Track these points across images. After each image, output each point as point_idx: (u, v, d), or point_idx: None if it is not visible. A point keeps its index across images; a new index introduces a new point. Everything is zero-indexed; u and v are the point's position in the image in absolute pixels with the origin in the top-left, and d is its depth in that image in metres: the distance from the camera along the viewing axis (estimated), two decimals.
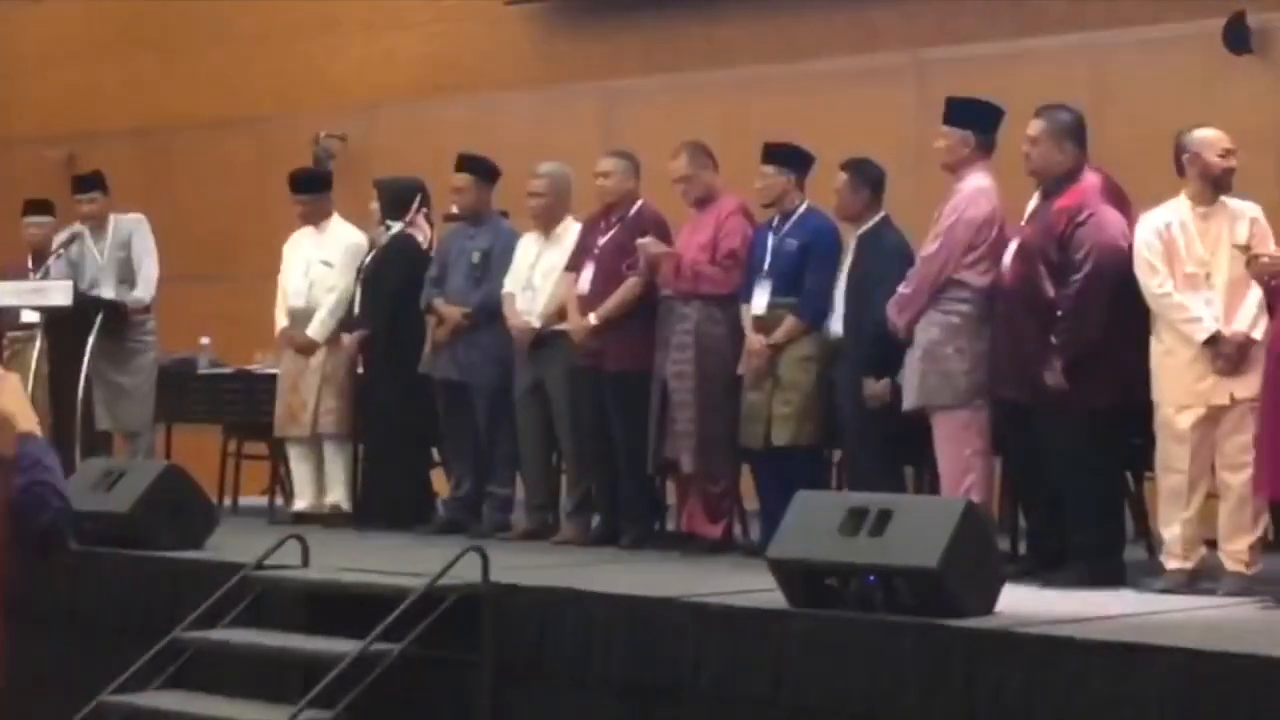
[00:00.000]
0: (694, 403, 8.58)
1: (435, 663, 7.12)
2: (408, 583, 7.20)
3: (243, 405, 10.71)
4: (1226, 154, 7.30)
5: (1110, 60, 10.20)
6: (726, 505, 8.78)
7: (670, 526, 9.14)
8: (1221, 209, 7.30)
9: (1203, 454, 7.21)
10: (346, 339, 9.86)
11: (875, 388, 7.98)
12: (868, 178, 8.34)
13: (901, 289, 7.86)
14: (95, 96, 14.61)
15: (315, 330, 9.96)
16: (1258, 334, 7.09)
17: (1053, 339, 7.36)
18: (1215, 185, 7.29)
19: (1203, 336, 7.15)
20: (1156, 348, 7.32)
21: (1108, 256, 7.34)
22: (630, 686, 6.83)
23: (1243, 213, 7.27)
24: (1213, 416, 7.18)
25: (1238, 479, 7.07)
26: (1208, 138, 7.34)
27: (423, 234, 9.85)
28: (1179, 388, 7.22)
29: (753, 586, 6.93)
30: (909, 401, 7.82)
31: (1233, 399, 7.11)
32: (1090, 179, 7.52)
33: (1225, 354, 7.12)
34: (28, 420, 3.66)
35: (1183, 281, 7.24)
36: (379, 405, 9.74)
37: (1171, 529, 7.29)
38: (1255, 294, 7.16)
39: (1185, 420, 7.20)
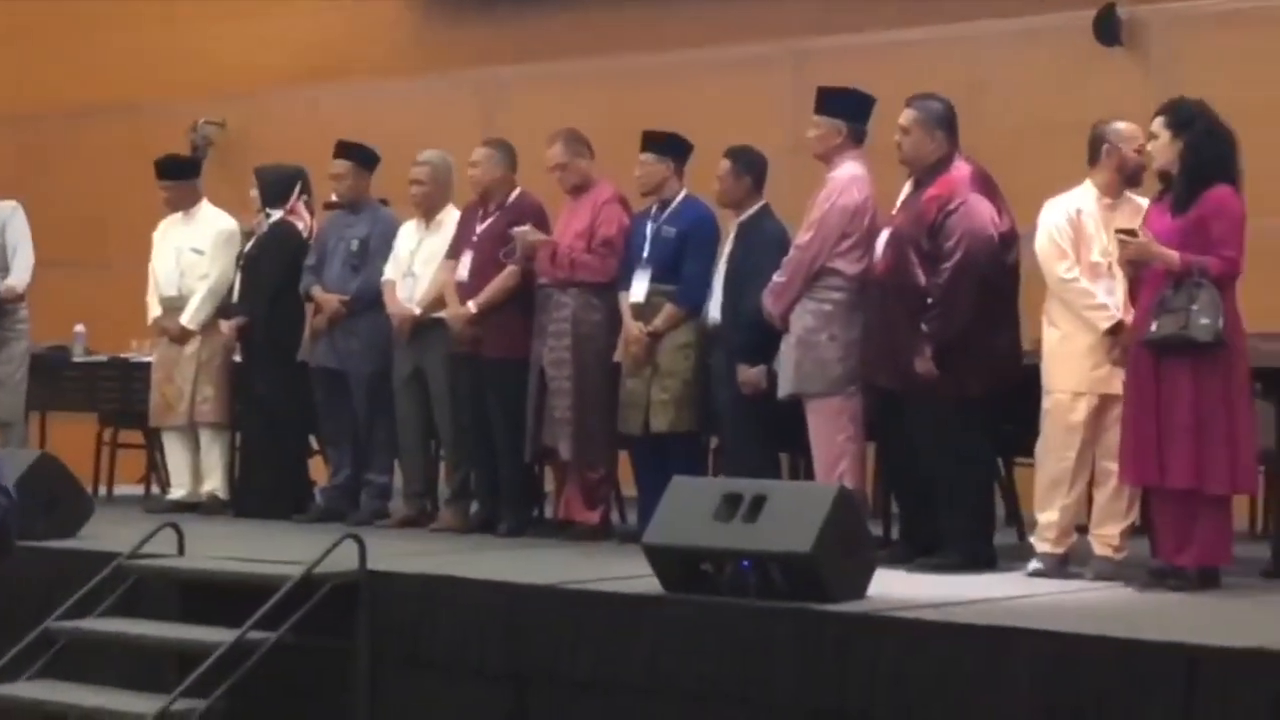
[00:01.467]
0: (571, 390, 8.60)
1: (311, 651, 7.10)
2: (284, 571, 7.17)
3: (118, 394, 10.63)
4: (1142, 149, 7.38)
5: (984, 51, 10.31)
6: (604, 492, 8.82)
7: (549, 514, 9.16)
8: (1126, 202, 7.39)
9: (1089, 442, 7.30)
10: (225, 326, 9.80)
11: (749, 374, 8.03)
12: (750, 165, 8.38)
13: (776, 277, 7.92)
14: None
15: (189, 318, 9.90)
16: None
17: (923, 326, 7.43)
18: (1129, 178, 7.38)
19: (1106, 325, 7.24)
20: (1050, 334, 7.39)
21: (978, 245, 7.42)
22: (507, 673, 6.85)
23: (1144, 207, 7.32)
24: (1102, 405, 7.28)
25: (1117, 467, 7.15)
26: (1126, 131, 7.42)
27: (303, 222, 9.81)
28: (1074, 375, 7.30)
29: (629, 573, 6.97)
30: (784, 389, 7.88)
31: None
32: (961, 168, 7.59)
33: (1125, 344, 7.19)
34: None
35: (1087, 270, 7.33)
36: (257, 393, 9.70)
37: (1049, 514, 7.37)
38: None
39: (1080, 407, 7.29)
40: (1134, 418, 6.91)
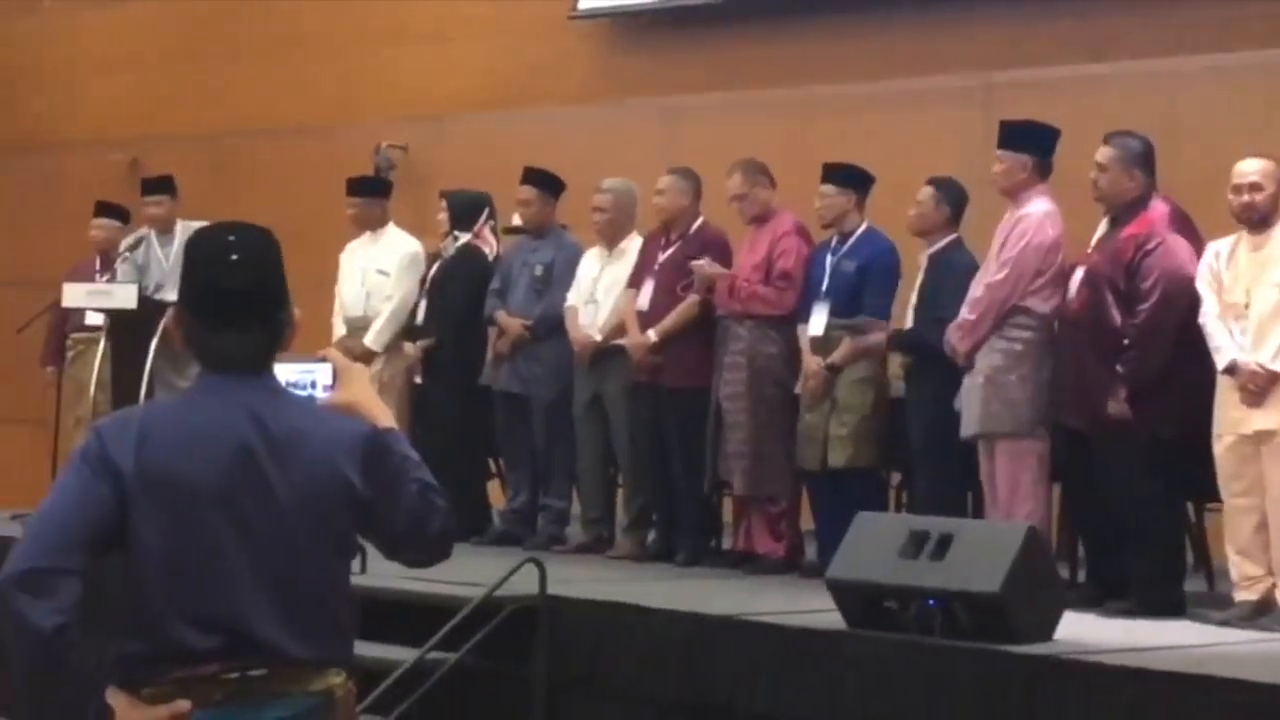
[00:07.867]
0: (746, 423, 8.56)
1: (490, 673, 7.14)
2: (464, 592, 7.21)
3: None
4: (1237, 190, 7.23)
5: (1181, 87, 10.12)
6: (787, 525, 8.75)
7: (726, 544, 9.12)
8: (1273, 242, 7.23)
9: (1245, 484, 7.15)
10: (410, 347, 9.87)
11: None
12: (951, 196, 8.30)
13: (965, 314, 7.80)
14: (159, 101, 14.66)
15: (372, 339, 9.96)
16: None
17: (1118, 367, 7.33)
18: (1239, 218, 7.24)
19: (1221, 364, 7.15)
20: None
21: (1176, 285, 7.30)
22: (684, 704, 6.84)
23: None
24: (1254, 447, 7.12)
25: None
26: (1233, 171, 7.29)
27: (489, 246, 9.89)
28: (1220, 415, 7.21)
29: (811, 607, 6.94)
30: (969, 428, 7.77)
31: (1256, 431, 7.07)
32: (1159, 207, 7.49)
33: (1241, 384, 7.08)
34: (386, 414, 3.46)
35: (1225, 310, 7.21)
36: (438, 414, 9.76)
37: (1232, 560, 7.25)
38: None
39: (1219, 447, 7.19)
40: None
